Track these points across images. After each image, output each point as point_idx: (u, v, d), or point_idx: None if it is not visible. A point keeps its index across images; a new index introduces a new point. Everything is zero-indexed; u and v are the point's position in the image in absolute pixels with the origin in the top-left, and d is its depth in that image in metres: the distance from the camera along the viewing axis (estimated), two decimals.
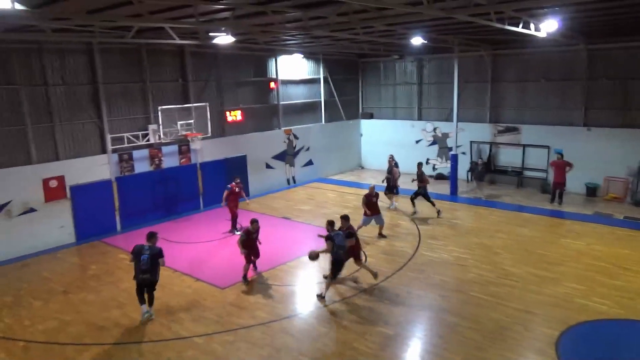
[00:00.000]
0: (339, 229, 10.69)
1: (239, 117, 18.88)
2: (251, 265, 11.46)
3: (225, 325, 9.19)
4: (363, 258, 11.67)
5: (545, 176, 18.97)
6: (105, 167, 15.10)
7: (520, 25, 12.11)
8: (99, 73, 14.70)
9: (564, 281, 10.70)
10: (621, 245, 12.84)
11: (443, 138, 22.17)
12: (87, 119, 14.71)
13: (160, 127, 15.44)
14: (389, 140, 23.48)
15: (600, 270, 11.27)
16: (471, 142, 20.96)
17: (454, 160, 19.19)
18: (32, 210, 13.60)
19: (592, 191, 17.87)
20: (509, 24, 11.73)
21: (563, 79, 18.49)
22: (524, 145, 19.59)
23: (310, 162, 22.27)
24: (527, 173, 19.72)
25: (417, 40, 15.20)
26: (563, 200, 17.11)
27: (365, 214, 13.79)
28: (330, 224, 10.68)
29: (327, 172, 22.93)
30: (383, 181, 17.50)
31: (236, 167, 18.56)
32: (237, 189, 14.50)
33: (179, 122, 15.68)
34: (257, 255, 11.54)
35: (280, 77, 20.57)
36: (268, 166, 20.31)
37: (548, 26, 12.03)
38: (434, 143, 22.60)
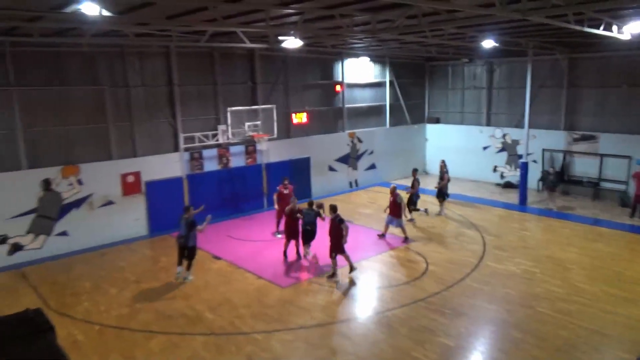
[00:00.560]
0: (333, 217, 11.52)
1: (304, 119, 19.17)
2: (293, 246, 12.33)
3: (284, 324, 9.36)
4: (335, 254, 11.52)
5: (625, 188, 17.68)
6: (177, 164, 15.88)
7: (602, 27, 11.40)
8: (174, 75, 15.50)
9: None
10: None
11: (513, 145, 21.28)
12: (162, 119, 15.56)
13: (229, 127, 16.00)
14: (455, 146, 22.89)
15: None
16: (543, 150, 19.94)
17: (524, 168, 18.35)
18: (111, 203, 14.57)
19: None
20: (589, 26, 11.07)
21: None
22: (602, 155, 18.37)
23: (373, 166, 22.17)
24: (605, 184, 18.47)
25: (488, 43, 14.72)
26: None
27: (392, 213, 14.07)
28: (333, 209, 11.60)
29: (390, 176, 22.70)
30: (436, 187, 17.10)
31: (300, 169, 18.87)
32: (285, 191, 14.52)
33: (247, 123, 16.17)
34: (295, 236, 12.59)
35: (346, 80, 20.66)
36: (331, 169, 20.45)
37: (632, 28, 11.23)
38: (502, 150, 21.75)
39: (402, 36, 13.58)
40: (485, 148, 22.22)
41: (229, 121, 15.95)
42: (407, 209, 15.27)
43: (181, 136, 15.73)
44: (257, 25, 11.38)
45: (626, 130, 17.77)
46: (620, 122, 18.01)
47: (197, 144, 16.02)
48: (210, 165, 16.72)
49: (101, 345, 8.77)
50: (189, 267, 11.55)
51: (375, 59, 21.66)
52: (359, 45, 18.10)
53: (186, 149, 16.01)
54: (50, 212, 13.56)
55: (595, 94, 18.67)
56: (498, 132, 21.79)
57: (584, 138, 18.97)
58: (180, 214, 11.70)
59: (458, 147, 22.73)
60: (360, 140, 21.49)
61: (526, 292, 10.58)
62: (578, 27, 10.77)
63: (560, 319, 9.35)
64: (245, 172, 17.52)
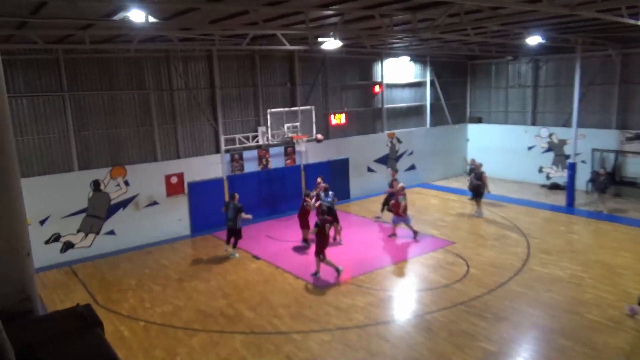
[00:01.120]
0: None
1: (343, 120, 19.15)
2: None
3: (322, 325, 9.38)
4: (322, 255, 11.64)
5: None
6: (218, 165, 16.22)
7: None
8: (216, 78, 15.84)
9: None
10: None
11: (560, 145, 20.50)
12: (204, 121, 15.93)
13: (269, 129, 16.19)
14: (498, 146, 22.26)
15: None
16: (593, 149, 19.10)
17: (572, 169, 17.64)
18: (155, 203, 15.05)
19: None
20: None
21: None
22: None
23: (412, 167, 21.89)
24: None
25: (533, 40, 14.23)
26: None
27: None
28: (322, 212, 12.15)
29: (431, 177, 22.35)
30: (469, 187, 16.70)
31: (338, 170, 18.87)
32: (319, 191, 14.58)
33: (286, 125, 16.31)
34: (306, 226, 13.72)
35: (386, 80, 20.49)
36: (370, 169, 20.33)
37: None
38: (549, 150, 20.99)
39: (444, 35, 13.33)
40: (530, 148, 21.51)
41: (269, 123, 16.14)
42: (382, 207, 15.98)
43: (222, 138, 16.05)
44: (297, 28, 11.46)
45: None
46: None
47: (237, 146, 16.30)
48: (250, 166, 16.98)
49: (146, 341, 9.06)
50: (235, 246, 13.32)
51: (416, 58, 21.38)
52: (399, 44, 17.92)
53: (227, 151, 16.32)
54: (99, 211, 14.14)
55: None
56: (544, 131, 21.06)
57: (638, 137, 18.04)
58: (227, 201, 13.61)
59: (501, 147, 22.10)
60: (399, 141, 21.26)
61: (573, 298, 10.17)
62: (632, 21, 10.25)
63: (610, 326, 8.93)
64: (284, 173, 17.68)
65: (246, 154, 16.79)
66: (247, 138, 16.37)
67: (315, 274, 11.67)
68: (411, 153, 21.73)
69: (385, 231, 15.06)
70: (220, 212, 14.66)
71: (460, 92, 23.63)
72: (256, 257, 13.26)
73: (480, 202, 16.41)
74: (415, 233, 14.23)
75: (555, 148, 20.72)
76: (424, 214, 17.07)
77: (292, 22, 11.25)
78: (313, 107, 17.25)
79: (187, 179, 15.59)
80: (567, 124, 19.55)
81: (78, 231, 13.84)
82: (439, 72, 22.26)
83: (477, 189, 16.28)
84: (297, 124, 16.65)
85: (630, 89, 18.25)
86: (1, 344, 1.81)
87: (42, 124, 13.22)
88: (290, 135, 16.38)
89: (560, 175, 20.33)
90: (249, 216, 13.50)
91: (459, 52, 20.25)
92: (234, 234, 13.25)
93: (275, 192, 17.53)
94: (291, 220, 16.88)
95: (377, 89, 20.23)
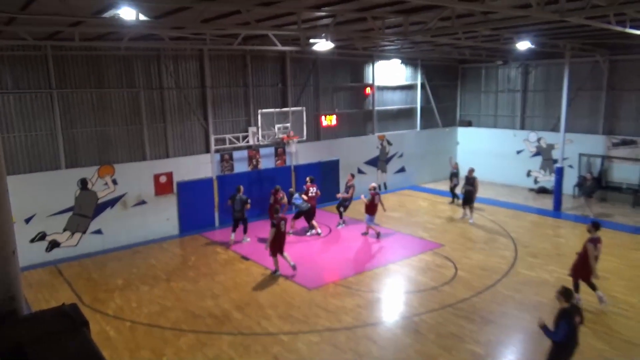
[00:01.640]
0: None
1: (334, 122, 19.17)
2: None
3: (311, 326, 9.37)
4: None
5: None
6: (208, 165, 16.14)
7: None
8: (207, 78, 15.77)
9: None
10: None
11: (548, 149, 20.72)
12: (194, 121, 15.84)
13: (260, 129, 16.15)
14: (487, 149, 22.45)
15: None
16: (580, 154, 19.33)
17: (559, 173, 17.84)
18: (143, 202, 14.92)
19: None
20: (631, 27, 10.68)
21: None
22: None
23: (402, 169, 21.98)
24: None
25: (523, 45, 14.39)
26: None
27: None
28: (275, 210, 12.37)
29: (420, 180, 22.47)
30: (461, 191, 16.77)
31: (329, 171, 18.87)
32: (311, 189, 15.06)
33: (277, 125, 16.28)
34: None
35: (377, 82, 20.56)
36: (360, 171, 20.36)
37: None
38: (537, 154, 21.20)
39: (435, 38, 13.42)
40: (518, 152, 21.72)
41: (260, 123, 16.10)
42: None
43: (212, 137, 15.97)
44: (289, 28, 11.45)
45: None
46: None
47: (227, 146, 16.23)
48: (241, 166, 16.92)
49: (132, 342, 8.98)
50: (245, 231, 14.42)
51: (407, 61, 21.48)
52: (391, 47, 17.99)
53: (217, 150, 16.24)
54: (86, 210, 13.99)
55: (636, 97, 18.00)
56: (532, 135, 21.28)
57: (624, 143, 18.30)
58: (233, 194, 14.28)
59: (490, 150, 22.29)
60: (390, 143, 21.34)
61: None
62: (619, 28, 10.41)
63: (596, 330, 9.03)
64: (274, 173, 17.64)
65: (236, 154, 16.73)
66: (237, 138, 16.31)
67: (275, 272, 11.94)
68: (401, 155, 21.82)
69: (375, 233, 15.08)
70: (209, 212, 14.65)
71: (450, 96, 23.79)
72: (245, 258, 13.21)
73: (472, 208, 16.34)
74: (377, 234, 14.62)
75: (544, 152, 20.94)
76: (413, 216, 17.14)
77: (284, 22, 11.26)
78: (304, 108, 17.25)
79: (177, 178, 15.49)
80: (555, 128, 19.78)
81: (64, 230, 13.67)
82: (430, 75, 22.39)
83: (470, 194, 16.20)
84: (288, 124, 16.64)
85: (617, 95, 18.51)
86: None
87: (30, 121, 13.05)
88: (281, 135, 16.37)
89: (548, 180, 20.55)
90: (248, 206, 14.33)
91: (450, 56, 20.39)
92: (242, 223, 14.27)
93: (265, 193, 17.43)
94: None
95: (368, 90, 20.29)
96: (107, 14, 8.95)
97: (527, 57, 20.22)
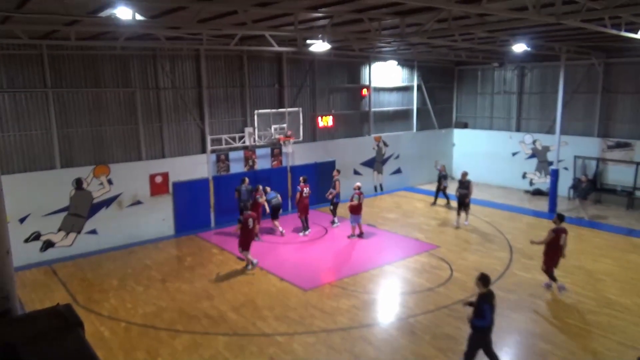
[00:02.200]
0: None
1: (330, 123, 19.17)
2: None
3: (306, 327, 9.36)
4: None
5: None
6: (204, 166, 16.10)
7: None
8: (203, 78, 15.74)
9: None
10: None
11: (543, 151, 20.80)
12: (190, 121, 15.81)
13: (256, 130, 16.13)
14: (483, 151, 22.53)
15: None
16: (575, 156, 19.42)
17: (555, 175, 17.91)
18: (139, 202, 14.87)
19: None
20: (626, 30, 10.74)
21: None
22: (638, 163, 17.78)
23: (398, 170, 22.00)
24: None
25: (519, 48, 14.44)
26: None
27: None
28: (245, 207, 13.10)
29: (416, 181, 22.50)
30: (456, 194, 16.67)
31: (325, 172, 18.85)
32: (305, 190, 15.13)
33: (273, 126, 16.26)
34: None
35: (373, 84, 20.58)
36: (356, 172, 20.38)
37: None
38: (532, 156, 21.28)
39: (432, 40, 13.46)
40: (514, 154, 21.79)
41: (256, 124, 16.08)
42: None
43: (208, 138, 15.94)
44: (286, 29, 11.45)
45: None
46: None
47: (223, 146, 16.21)
48: (237, 167, 16.89)
49: (127, 342, 8.94)
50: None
51: (403, 62, 21.53)
52: (387, 48, 18.02)
53: (213, 151, 16.21)
54: (81, 210, 13.92)
55: (631, 100, 18.11)
56: (528, 138, 21.36)
57: (619, 145, 18.40)
58: (238, 186, 14.90)
59: (486, 152, 22.37)
60: (386, 144, 21.36)
61: (554, 303, 10.31)
62: (615, 31, 10.46)
63: (590, 331, 9.07)
64: (270, 174, 17.62)
65: (232, 155, 16.71)
66: (233, 139, 16.29)
67: (247, 266, 12.34)
68: (397, 157, 21.85)
69: (371, 234, 15.11)
70: (205, 213, 14.60)
71: (446, 97, 23.85)
72: (241, 259, 13.19)
73: (468, 211, 15.97)
74: (361, 234, 14.78)
75: (539, 154, 21.02)
76: (409, 218, 17.17)
77: (281, 23, 11.25)
78: (300, 109, 17.25)
79: (172, 178, 15.45)
80: (550, 130, 19.86)
81: (59, 230, 13.60)
82: (426, 76, 22.44)
83: (464, 197, 15.88)
84: (285, 125, 16.63)
85: (612, 98, 18.61)
86: None
87: (25, 120, 12.98)
88: (277, 136, 16.35)
89: (543, 182, 20.63)
90: (263, 198, 14.77)
91: (446, 58, 20.45)
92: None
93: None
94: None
95: (364, 92, 20.31)
96: (103, 14, 8.92)
97: (523, 60, 20.30)
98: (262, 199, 14.71)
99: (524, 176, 21.51)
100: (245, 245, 12.29)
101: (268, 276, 11.97)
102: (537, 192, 20.57)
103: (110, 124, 14.32)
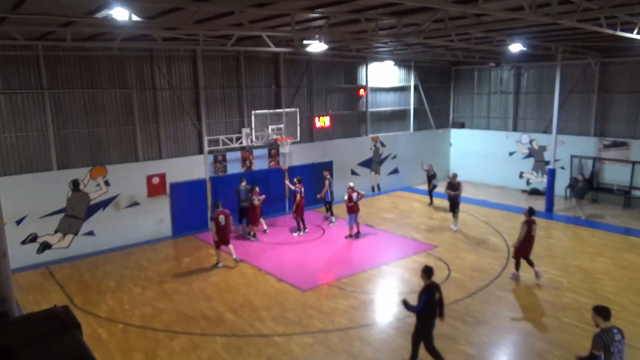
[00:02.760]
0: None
1: (327, 123, 19.18)
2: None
3: (304, 328, 9.36)
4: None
5: None
6: (201, 166, 16.07)
7: (635, 32, 11.09)
8: (200, 79, 15.72)
9: None
10: None
11: (540, 151, 20.86)
12: (187, 122, 15.78)
13: (253, 130, 16.12)
14: (480, 151, 22.58)
15: None
16: (572, 156, 19.49)
17: (551, 175, 17.97)
18: (136, 203, 14.84)
19: None
20: (622, 30, 10.78)
21: None
22: (634, 162, 17.85)
23: (396, 171, 22.02)
24: (636, 193, 17.94)
25: (516, 48, 14.48)
26: None
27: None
28: (216, 205, 12.87)
29: (413, 181, 22.51)
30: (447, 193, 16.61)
31: (322, 172, 18.84)
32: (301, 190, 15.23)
33: (270, 127, 16.25)
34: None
35: (370, 84, 20.60)
36: (353, 172, 20.39)
37: None
38: (529, 156, 21.34)
39: (428, 40, 13.48)
40: (511, 154, 21.84)
41: (253, 124, 16.07)
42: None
43: (206, 139, 15.92)
44: (283, 30, 11.45)
45: None
46: None
47: (221, 147, 16.19)
48: (234, 167, 16.87)
49: (124, 344, 8.92)
50: (248, 224, 15.04)
51: (400, 62, 21.55)
52: (384, 49, 18.04)
53: (210, 152, 16.19)
54: (78, 212, 13.88)
55: (627, 99, 18.18)
56: (525, 137, 21.41)
57: (615, 145, 18.47)
58: (237, 187, 14.99)
59: (483, 152, 22.42)
60: (383, 145, 21.38)
61: (552, 302, 10.33)
62: (610, 31, 10.50)
63: (588, 330, 9.05)
64: (268, 175, 17.61)
65: (230, 155, 16.69)
66: (230, 139, 16.27)
67: (217, 264, 12.69)
68: (394, 157, 21.87)
69: (369, 234, 15.11)
70: (202, 214, 14.52)
71: (443, 97, 23.89)
72: (239, 260, 13.17)
73: (456, 214, 15.61)
74: (357, 234, 14.82)
75: (536, 154, 21.08)
76: (406, 218, 17.18)
77: (278, 24, 11.25)
78: (298, 110, 17.25)
79: (169, 179, 15.42)
80: (547, 130, 19.93)
81: (56, 231, 13.56)
82: (423, 77, 22.47)
83: (454, 199, 15.55)
84: (282, 126, 16.63)
85: (608, 97, 18.68)
86: None
87: (21, 121, 12.94)
88: (274, 137, 16.35)
89: (540, 181, 20.69)
90: (263, 197, 14.91)
91: (443, 58, 20.49)
92: (246, 215, 14.94)
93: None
94: (274, 222, 16.84)
95: (361, 92, 20.32)
96: (99, 14, 8.90)
97: (519, 59, 20.36)
98: (257, 201, 14.66)
99: (521, 176, 21.56)
100: (218, 243, 12.57)
101: (266, 277, 11.96)
102: (534, 192, 20.63)
103: (107, 125, 14.29)
